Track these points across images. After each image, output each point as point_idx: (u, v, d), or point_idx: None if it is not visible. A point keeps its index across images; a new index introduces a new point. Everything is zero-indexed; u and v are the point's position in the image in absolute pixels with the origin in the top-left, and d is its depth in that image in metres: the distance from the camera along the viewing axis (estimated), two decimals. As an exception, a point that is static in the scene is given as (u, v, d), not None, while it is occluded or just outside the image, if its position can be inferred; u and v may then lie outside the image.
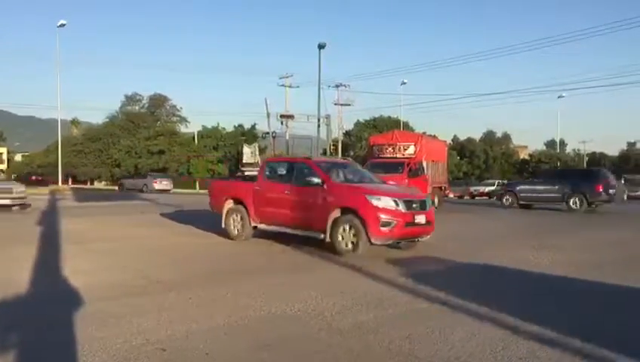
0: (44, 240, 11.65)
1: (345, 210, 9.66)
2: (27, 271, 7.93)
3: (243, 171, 56.50)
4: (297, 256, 9.95)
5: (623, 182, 40.64)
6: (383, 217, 9.30)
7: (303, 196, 10.37)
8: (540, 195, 24.07)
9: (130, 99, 75.58)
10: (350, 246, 9.50)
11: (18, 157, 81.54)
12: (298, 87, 51.49)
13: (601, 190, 22.50)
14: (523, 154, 75.22)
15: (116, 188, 50.49)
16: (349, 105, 53.06)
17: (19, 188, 19.93)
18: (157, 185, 44.16)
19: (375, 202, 9.39)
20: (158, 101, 74.00)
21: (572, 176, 24.69)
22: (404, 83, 57.48)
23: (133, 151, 60.87)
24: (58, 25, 45.50)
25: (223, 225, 11.91)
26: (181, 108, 75.06)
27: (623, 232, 15.23)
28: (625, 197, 36.24)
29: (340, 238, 9.61)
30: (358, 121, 64.27)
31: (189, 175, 57.57)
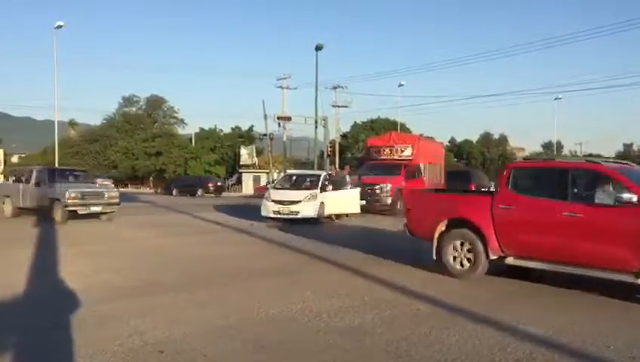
0: (42, 242, 11.63)
1: None
2: (25, 273, 7.92)
3: (241, 173, 56.69)
4: (293, 257, 9.95)
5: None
6: None
7: (598, 219, 6.94)
8: None
9: (128, 100, 75.34)
10: None
11: (15, 159, 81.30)
12: (296, 88, 51.44)
13: (473, 189, 23.81)
14: (520, 156, 75.37)
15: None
16: (347, 106, 53.07)
17: (111, 193, 17.05)
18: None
19: None
20: (156, 103, 73.80)
21: (450, 177, 26.73)
22: (402, 85, 57.55)
23: (131, 152, 60.74)
24: (55, 26, 45.41)
25: (435, 256, 8.43)
26: (178, 109, 74.94)
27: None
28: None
29: None
30: (355, 122, 64.25)
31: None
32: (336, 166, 41.61)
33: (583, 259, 7.05)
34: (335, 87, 51.27)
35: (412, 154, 23.28)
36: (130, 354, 4.43)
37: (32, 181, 16.57)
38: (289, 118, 42.68)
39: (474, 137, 75.78)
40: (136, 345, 4.65)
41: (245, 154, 57.33)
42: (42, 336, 5.00)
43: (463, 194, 9.51)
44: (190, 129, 69.86)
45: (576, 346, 4.81)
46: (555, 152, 70.89)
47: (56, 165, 47.55)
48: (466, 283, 7.69)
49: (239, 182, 57.55)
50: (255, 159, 57.35)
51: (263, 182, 48.28)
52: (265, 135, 51.46)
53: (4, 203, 17.57)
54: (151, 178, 59.12)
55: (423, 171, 23.17)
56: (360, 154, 51.53)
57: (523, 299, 6.78)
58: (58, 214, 15.44)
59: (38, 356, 4.52)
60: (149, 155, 59.03)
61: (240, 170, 57.71)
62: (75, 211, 15.63)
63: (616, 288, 7.14)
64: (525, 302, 6.61)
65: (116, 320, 5.40)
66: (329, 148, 38.65)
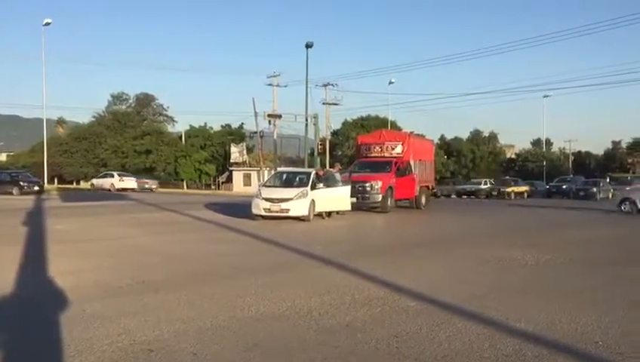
0: (29, 240, 11.52)
1: None
2: (12, 271, 7.84)
3: (231, 171, 56.43)
4: (284, 254, 9.94)
5: (608, 180, 41.27)
6: None
7: None
8: None
9: (117, 98, 74.90)
10: None
11: (2, 157, 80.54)
12: (286, 86, 51.54)
13: None
14: (510, 154, 75.72)
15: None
16: (337, 104, 53.26)
17: None
18: None
19: None
20: (145, 100, 73.43)
21: None
22: (392, 82, 57.69)
23: (120, 150, 60.42)
24: (44, 23, 45.12)
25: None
26: (168, 107, 74.68)
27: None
28: (610, 196, 36.80)
29: None
30: (345, 120, 64.34)
31: (177, 175, 57.26)
32: (327, 164, 41.60)
33: None
34: (325, 85, 51.49)
35: (402, 151, 23.34)
36: (119, 353, 4.39)
37: None
38: (279, 116, 42.69)
39: (464, 135, 76.03)
40: (125, 344, 4.61)
41: (236, 152, 57.17)
42: (30, 335, 4.95)
43: None
44: (180, 127, 69.63)
45: (565, 342, 4.83)
46: (544, 149, 71.32)
47: (45, 163, 47.27)
48: (455, 279, 7.73)
49: (230, 180, 57.44)
50: (246, 157, 57.23)
51: (254, 181, 48.04)
52: (255, 133, 51.48)
53: None
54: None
55: (413, 168, 23.25)
56: (350, 151, 51.58)
57: (512, 295, 6.81)
58: None
59: (26, 354, 4.47)
60: (139, 153, 58.71)
61: (231, 168, 57.58)
62: None
63: (604, 287, 7.18)
64: (514, 298, 6.64)
65: (105, 319, 5.36)
66: (320, 146, 38.68)
